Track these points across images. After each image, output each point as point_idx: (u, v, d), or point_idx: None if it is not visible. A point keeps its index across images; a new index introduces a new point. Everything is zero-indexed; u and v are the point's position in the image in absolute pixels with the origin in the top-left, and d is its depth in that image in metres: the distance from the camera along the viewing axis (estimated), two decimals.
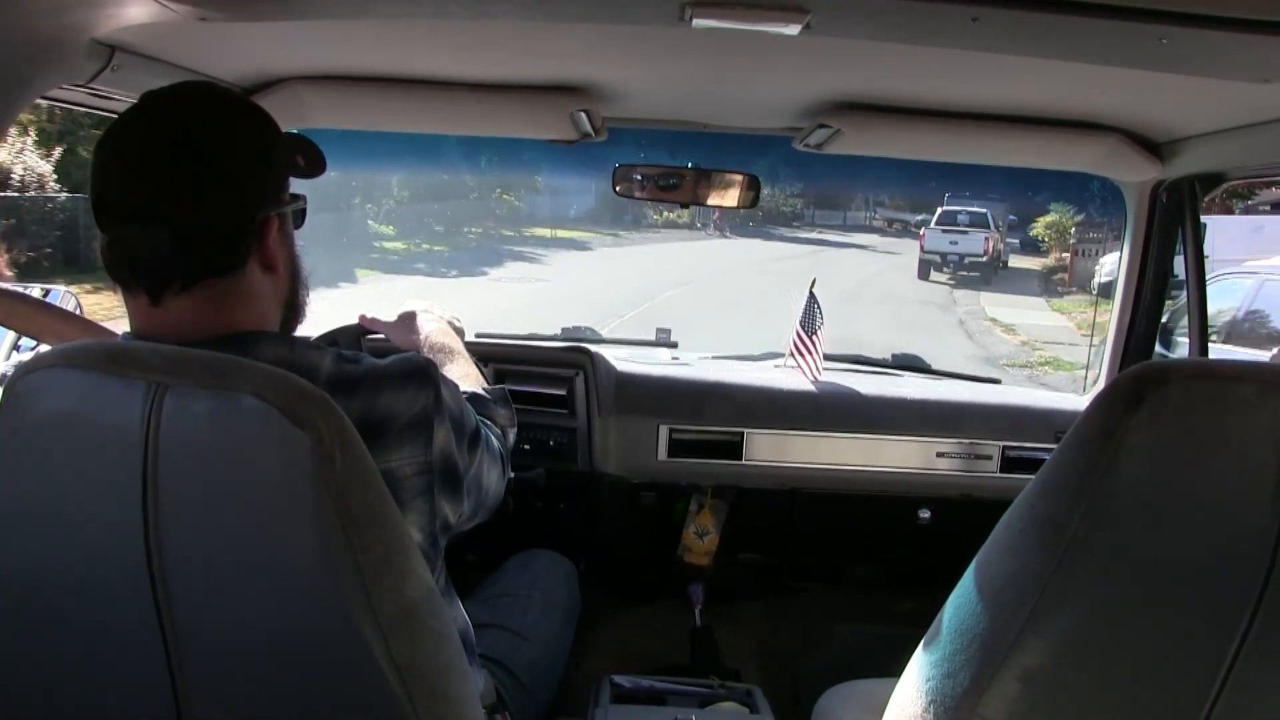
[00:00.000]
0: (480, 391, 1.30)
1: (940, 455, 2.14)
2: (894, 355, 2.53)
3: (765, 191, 2.19)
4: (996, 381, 2.48)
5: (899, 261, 20.35)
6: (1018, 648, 0.83)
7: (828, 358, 2.28)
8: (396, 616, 0.79)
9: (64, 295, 3.14)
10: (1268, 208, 11.80)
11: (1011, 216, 22.12)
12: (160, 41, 1.34)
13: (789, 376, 2.24)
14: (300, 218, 1.06)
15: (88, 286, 9.05)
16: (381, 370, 0.97)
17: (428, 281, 15.48)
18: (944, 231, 18.95)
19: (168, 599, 0.79)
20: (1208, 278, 1.99)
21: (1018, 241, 22.03)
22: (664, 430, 2.13)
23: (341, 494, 0.75)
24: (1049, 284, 18.85)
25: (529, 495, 2.03)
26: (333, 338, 1.57)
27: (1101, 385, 2.05)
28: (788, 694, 2.01)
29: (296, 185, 1.05)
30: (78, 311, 2.54)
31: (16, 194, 10.95)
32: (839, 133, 1.82)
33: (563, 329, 2.55)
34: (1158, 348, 2.20)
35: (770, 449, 2.14)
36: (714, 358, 2.46)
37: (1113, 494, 0.78)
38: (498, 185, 23.55)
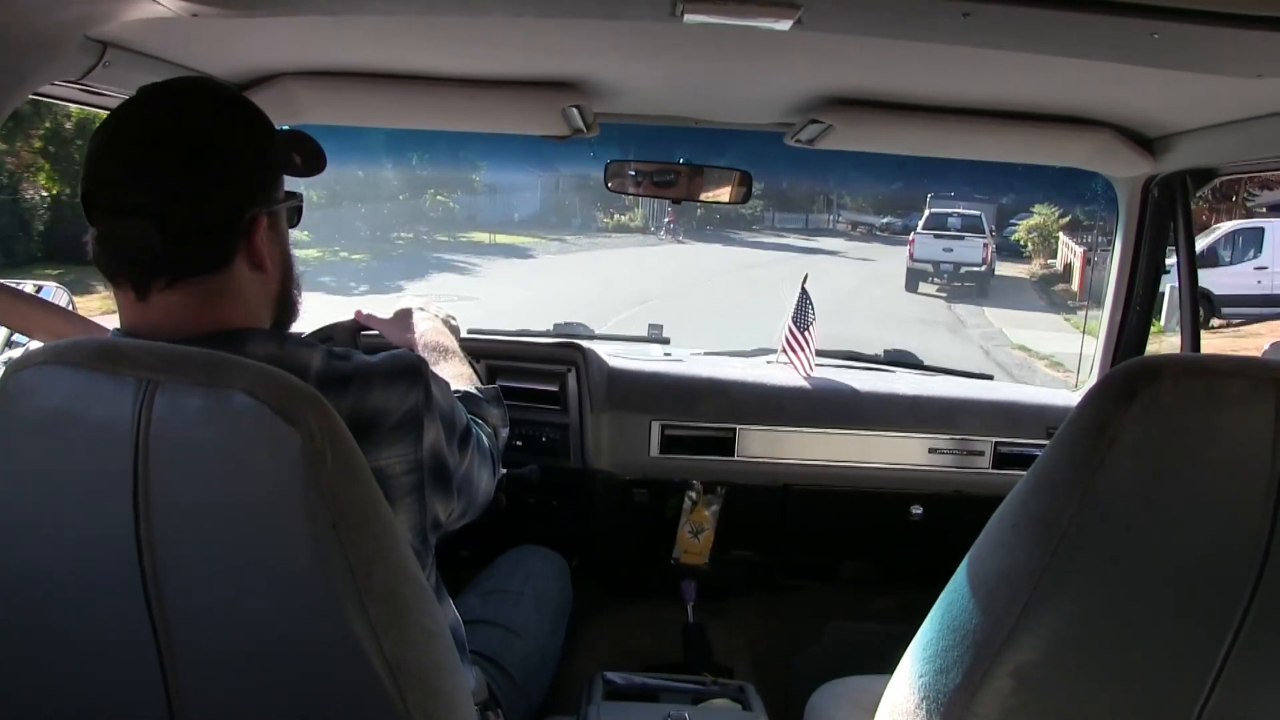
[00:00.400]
0: (473, 390, 1.30)
1: (932, 451, 2.15)
2: (886, 351, 2.54)
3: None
4: (989, 377, 2.48)
5: (878, 270, 18.42)
6: (1010, 644, 0.83)
7: (820, 354, 2.28)
8: (388, 614, 0.78)
9: (56, 291, 3.11)
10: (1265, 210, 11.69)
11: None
12: (152, 37, 1.34)
13: (781, 373, 2.24)
14: (296, 216, 1.06)
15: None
16: (372, 367, 0.97)
17: (328, 299, 10.86)
18: (936, 237, 16.72)
19: (159, 596, 0.79)
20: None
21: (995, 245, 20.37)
22: (656, 426, 2.13)
23: (332, 491, 0.74)
24: (1048, 294, 17.03)
25: (521, 491, 2.03)
26: (327, 334, 1.57)
27: (1094, 381, 2.05)
28: (780, 691, 2.01)
29: (294, 185, 1.04)
30: (70, 307, 2.53)
31: None
32: (831, 128, 1.82)
33: (555, 324, 2.54)
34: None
35: (762, 445, 2.14)
36: (706, 354, 2.46)
37: (1105, 490, 0.78)
38: (430, 185, 21.86)
